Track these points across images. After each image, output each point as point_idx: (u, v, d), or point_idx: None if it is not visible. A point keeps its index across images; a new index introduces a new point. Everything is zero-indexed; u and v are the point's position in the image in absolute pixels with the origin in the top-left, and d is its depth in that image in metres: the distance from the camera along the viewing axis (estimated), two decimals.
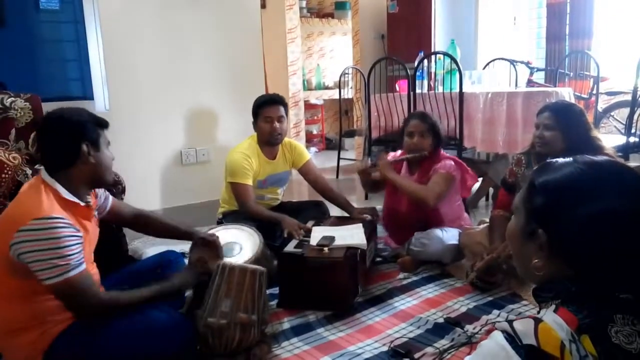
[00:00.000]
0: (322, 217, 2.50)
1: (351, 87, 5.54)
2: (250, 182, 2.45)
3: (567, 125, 1.93)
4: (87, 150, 1.41)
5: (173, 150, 3.13)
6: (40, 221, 1.27)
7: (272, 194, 2.67)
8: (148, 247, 2.46)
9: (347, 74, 5.07)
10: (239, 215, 2.44)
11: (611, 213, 0.68)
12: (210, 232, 1.88)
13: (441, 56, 3.59)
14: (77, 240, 1.33)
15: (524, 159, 2.18)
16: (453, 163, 2.37)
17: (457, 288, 2.14)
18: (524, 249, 0.78)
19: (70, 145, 1.41)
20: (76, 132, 1.42)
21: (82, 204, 1.44)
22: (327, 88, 6.81)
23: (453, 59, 3.29)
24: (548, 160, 0.78)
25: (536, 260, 0.75)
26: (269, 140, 2.50)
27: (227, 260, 1.67)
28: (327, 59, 7.06)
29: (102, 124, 1.50)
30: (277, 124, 2.46)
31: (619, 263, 0.69)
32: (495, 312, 1.91)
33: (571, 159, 0.76)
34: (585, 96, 4.31)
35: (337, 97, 6.73)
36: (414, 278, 2.26)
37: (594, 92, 4.19)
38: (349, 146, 6.09)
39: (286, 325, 1.83)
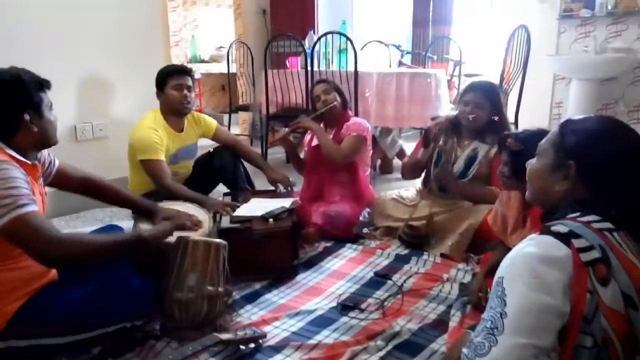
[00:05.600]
0: (235, 194, 2.50)
1: (233, 62, 5.49)
2: (163, 157, 2.36)
3: (494, 104, 2.27)
4: (29, 119, 1.35)
5: (66, 125, 2.84)
6: None
7: (185, 168, 2.61)
8: (86, 226, 2.28)
9: (232, 47, 5.02)
10: (157, 195, 2.29)
11: (621, 152, 0.96)
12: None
13: (330, 36, 3.79)
14: (26, 185, 1.26)
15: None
16: (365, 123, 2.61)
17: (370, 248, 2.35)
18: (548, 181, 1.02)
19: (12, 115, 1.33)
20: (17, 100, 1.34)
21: (29, 162, 1.38)
22: (203, 61, 6.60)
23: (349, 39, 3.52)
24: (569, 118, 1.05)
25: (557, 189, 1.00)
26: (177, 109, 2.43)
27: (186, 234, 1.67)
28: (202, 31, 6.82)
29: (44, 85, 1.42)
30: (186, 92, 2.41)
31: (623, 189, 0.96)
32: (414, 259, 2.19)
33: (588, 115, 1.04)
34: (447, 77, 4.93)
35: (214, 71, 6.56)
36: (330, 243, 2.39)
37: (455, 74, 4.82)
38: (233, 122, 6.04)
39: (236, 295, 1.88)
